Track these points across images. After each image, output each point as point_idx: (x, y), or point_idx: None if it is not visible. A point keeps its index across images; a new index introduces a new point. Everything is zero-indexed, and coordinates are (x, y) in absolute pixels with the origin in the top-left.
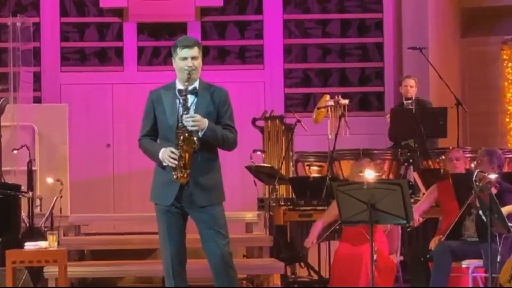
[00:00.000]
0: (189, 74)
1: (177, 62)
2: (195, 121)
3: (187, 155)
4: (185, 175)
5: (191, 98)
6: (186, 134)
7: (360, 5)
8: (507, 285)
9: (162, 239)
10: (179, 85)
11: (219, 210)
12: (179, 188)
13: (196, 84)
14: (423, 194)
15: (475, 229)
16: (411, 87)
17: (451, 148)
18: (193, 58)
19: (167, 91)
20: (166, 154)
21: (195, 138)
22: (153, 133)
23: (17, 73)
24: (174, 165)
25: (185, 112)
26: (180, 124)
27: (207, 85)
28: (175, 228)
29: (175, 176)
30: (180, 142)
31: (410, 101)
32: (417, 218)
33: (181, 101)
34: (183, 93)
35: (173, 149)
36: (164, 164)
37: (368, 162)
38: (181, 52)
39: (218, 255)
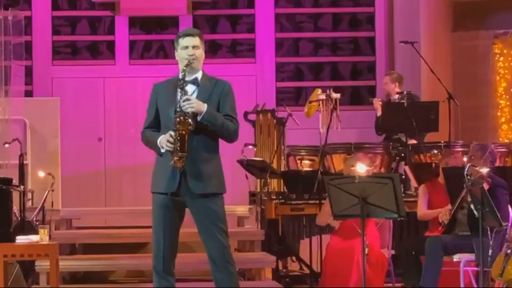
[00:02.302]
0: (189, 62)
1: (178, 52)
2: (191, 103)
3: (182, 137)
4: (182, 159)
5: (192, 88)
6: (182, 117)
7: None
8: (499, 279)
9: (156, 233)
10: (180, 76)
11: (218, 202)
12: (179, 176)
13: (198, 75)
14: (415, 188)
15: (467, 223)
16: (385, 84)
17: (448, 150)
18: (194, 47)
19: (170, 83)
20: (165, 139)
21: (190, 120)
22: (155, 124)
23: (9, 66)
24: (170, 149)
25: (182, 96)
26: (177, 108)
27: (209, 77)
28: (170, 222)
29: (172, 162)
30: (176, 125)
31: (397, 97)
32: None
33: (178, 87)
34: (181, 80)
35: (172, 133)
36: (162, 150)
37: (362, 156)
38: (183, 41)
39: (217, 251)
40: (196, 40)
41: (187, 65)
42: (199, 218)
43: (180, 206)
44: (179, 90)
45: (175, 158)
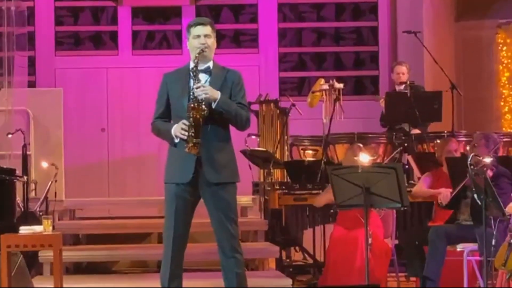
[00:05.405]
0: (202, 50)
1: (190, 42)
2: (205, 89)
3: (197, 122)
4: (196, 145)
5: (204, 77)
6: (196, 104)
7: None
8: (502, 269)
9: (167, 222)
10: (192, 65)
11: (231, 191)
12: (194, 165)
13: (210, 64)
14: (418, 178)
15: (470, 213)
16: (402, 74)
17: (446, 137)
18: (206, 36)
19: (181, 73)
20: (178, 127)
21: (203, 106)
22: (166, 115)
23: (12, 57)
24: (184, 137)
25: (196, 84)
26: (191, 95)
27: (221, 67)
28: (183, 213)
29: (187, 149)
30: (190, 111)
31: (403, 86)
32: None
33: (191, 75)
34: (194, 68)
35: (185, 121)
36: (176, 141)
37: (359, 148)
38: (195, 30)
39: (226, 239)
40: (207, 29)
41: (199, 53)
42: (211, 206)
43: (194, 196)
44: (192, 77)
45: (190, 144)
